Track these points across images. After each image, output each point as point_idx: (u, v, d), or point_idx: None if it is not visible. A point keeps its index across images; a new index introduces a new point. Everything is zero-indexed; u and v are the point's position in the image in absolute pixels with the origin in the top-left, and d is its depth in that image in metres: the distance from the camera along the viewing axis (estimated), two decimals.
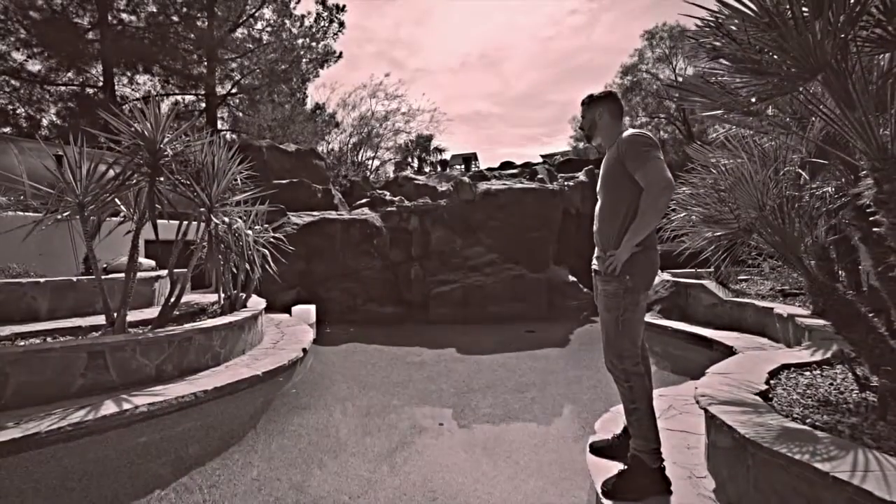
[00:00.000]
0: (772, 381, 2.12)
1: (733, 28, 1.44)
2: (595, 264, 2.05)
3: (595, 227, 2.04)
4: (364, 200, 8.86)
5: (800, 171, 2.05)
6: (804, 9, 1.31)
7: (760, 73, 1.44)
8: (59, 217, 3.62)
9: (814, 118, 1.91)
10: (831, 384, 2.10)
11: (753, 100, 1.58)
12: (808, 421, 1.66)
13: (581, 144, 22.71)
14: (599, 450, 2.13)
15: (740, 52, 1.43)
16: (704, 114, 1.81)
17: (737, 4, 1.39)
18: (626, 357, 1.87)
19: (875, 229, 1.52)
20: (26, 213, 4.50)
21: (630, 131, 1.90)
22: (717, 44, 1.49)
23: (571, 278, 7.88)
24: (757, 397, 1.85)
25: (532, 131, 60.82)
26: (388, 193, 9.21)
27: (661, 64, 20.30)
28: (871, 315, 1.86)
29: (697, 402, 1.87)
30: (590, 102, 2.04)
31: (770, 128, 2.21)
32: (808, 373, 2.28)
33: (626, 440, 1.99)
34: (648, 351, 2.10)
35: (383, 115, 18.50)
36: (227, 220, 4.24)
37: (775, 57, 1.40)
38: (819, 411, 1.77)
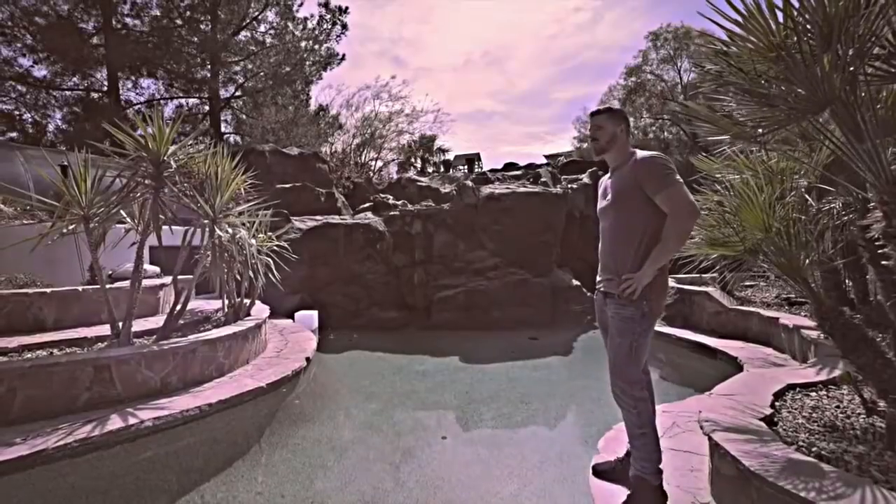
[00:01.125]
0: (777, 403, 2.10)
1: (743, 58, 1.42)
2: (603, 286, 1.99)
3: (605, 248, 1.98)
4: (367, 205, 8.87)
5: (806, 195, 2.04)
6: (811, 42, 1.30)
7: (768, 105, 1.42)
8: (65, 231, 3.65)
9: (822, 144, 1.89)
10: (837, 406, 2.08)
11: (760, 130, 1.56)
12: (813, 450, 1.64)
13: (585, 145, 22.62)
14: (602, 473, 2.12)
15: (747, 83, 1.42)
16: (711, 138, 1.79)
17: (744, 33, 1.38)
18: (634, 383, 1.85)
19: (884, 262, 1.51)
20: (32, 223, 4.54)
21: (647, 153, 1.86)
22: (725, 75, 1.48)
23: (575, 282, 7.86)
24: (761, 423, 1.83)
25: (536, 129, 60.53)
26: (392, 196, 9.21)
27: (665, 65, 20.19)
28: (878, 335, 1.84)
29: (701, 428, 1.85)
30: (610, 114, 1.93)
31: (776, 145, 2.19)
32: (813, 393, 2.26)
33: (629, 463, 1.99)
34: (649, 364, 2.08)
35: (387, 116, 18.48)
36: (230, 230, 4.26)
37: (782, 88, 1.39)
38: (825, 438, 1.75)
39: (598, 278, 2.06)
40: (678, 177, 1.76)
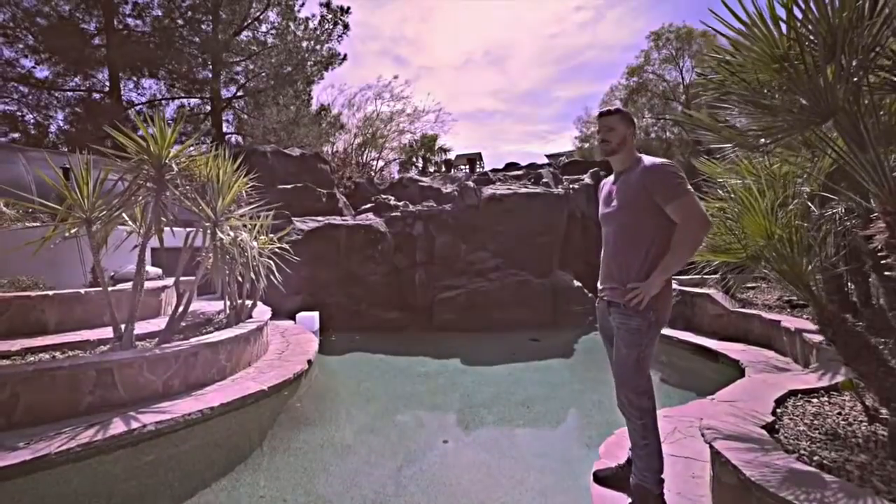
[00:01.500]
0: (778, 410, 2.10)
1: (746, 67, 1.41)
2: (606, 294, 1.94)
3: (608, 256, 1.93)
4: (368, 206, 8.87)
5: (809, 203, 2.03)
6: (815, 53, 1.29)
7: (771, 115, 1.42)
8: (67, 234, 3.66)
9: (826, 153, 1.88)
10: (839, 413, 2.08)
11: (763, 140, 1.56)
12: (815, 459, 1.64)
13: (587, 145, 22.59)
14: (603, 479, 2.12)
15: (750, 93, 1.41)
16: (713, 146, 1.79)
17: (747, 43, 1.37)
18: (641, 393, 1.83)
19: (887, 273, 1.50)
20: (35, 226, 4.56)
21: (656, 160, 1.82)
22: (728, 84, 1.47)
23: (576, 283, 7.85)
24: (763, 431, 1.83)
25: (537, 128, 60.50)
26: (393, 196, 9.21)
27: (667, 65, 20.14)
28: (880, 341, 1.83)
29: (703, 436, 1.85)
30: (622, 116, 1.88)
31: (779, 151, 2.18)
32: (815, 400, 2.26)
33: (630, 469, 1.98)
34: (650, 368, 2.06)
35: (388, 115, 18.46)
36: (232, 233, 4.26)
37: (785, 99, 1.38)
38: (827, 446, 1.75)
39: (599, 286, 2.02)
40: (689, 186, 1.73)
